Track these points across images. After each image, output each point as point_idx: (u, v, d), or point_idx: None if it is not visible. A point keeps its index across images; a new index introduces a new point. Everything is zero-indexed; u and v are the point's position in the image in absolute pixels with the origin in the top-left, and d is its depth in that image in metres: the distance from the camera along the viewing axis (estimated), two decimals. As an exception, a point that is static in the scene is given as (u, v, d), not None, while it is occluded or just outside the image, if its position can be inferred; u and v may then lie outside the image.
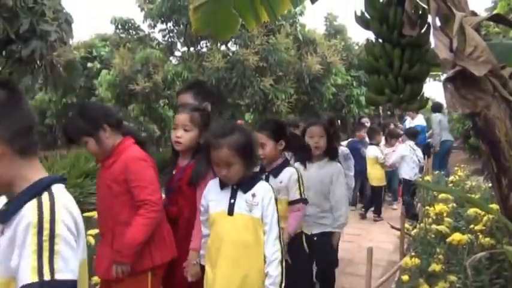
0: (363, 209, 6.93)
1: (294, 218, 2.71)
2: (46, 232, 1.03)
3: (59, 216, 1.07)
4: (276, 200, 2.08)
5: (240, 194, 2.05)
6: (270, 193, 2.06)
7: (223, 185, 2.10)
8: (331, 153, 3.16)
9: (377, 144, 6.89)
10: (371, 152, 6.72)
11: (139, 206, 2.20)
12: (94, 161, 5.88)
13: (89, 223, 2.88)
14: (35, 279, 0.98)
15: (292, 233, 2.68)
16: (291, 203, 2.70)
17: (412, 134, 7.14)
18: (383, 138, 7.54)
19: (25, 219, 1.05)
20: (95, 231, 2.77)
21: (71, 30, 6.51)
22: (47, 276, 0.99)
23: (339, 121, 5.44)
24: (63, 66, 6.47)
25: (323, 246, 3.08)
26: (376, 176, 6.75)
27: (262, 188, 2.07)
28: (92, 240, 2.79)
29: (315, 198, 3.01)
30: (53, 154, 10.17)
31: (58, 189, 1.15)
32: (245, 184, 2.06)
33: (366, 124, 8.22)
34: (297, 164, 3.04)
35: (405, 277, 2.78)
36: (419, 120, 8.62)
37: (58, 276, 1.00)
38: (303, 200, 2.72)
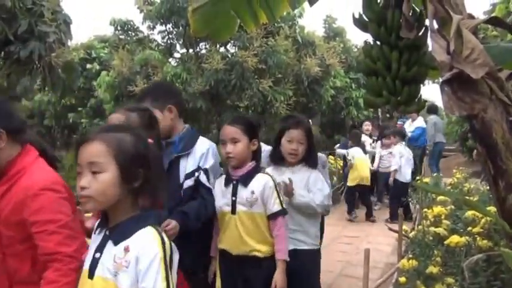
0: (349, 214, 6.94)
1: (282, 241, 2.22)
2: None
3: None
4: (165, 259, 1.26)
5: (109, 245, 1.31)
6: (152, 248, 1.25)
7: (100, 227, 1.39)
8: (310, 162, 2.65)
9: (357, 146, 7.06)
10: (358, 154, 6.91)
11: (48, 262, 1.47)
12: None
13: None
14: None
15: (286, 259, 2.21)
16: (271, 217, 2.25)
17: (402, 135, 7.25)
18: (379, 141, 7.60)
19: None
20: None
21: (69, 31, 6.51)
22: None
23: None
24: (61, 67, 6.48)
25: (299, 272, 2.40)
26: (366, 176, 6.90)
27: (141, 240, 1.28)
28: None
29: (287, 208, 2.41)
30: (52, 155, 10.15)
31: None
32: (119, 230, 1.32)
33: (367, 127, 8.32)
34: (270, 169, 2.59)
35: (403, 279, 2.79)
36: (419, 123, 8.61)
37: None
38: (284, 211, 2.27)
